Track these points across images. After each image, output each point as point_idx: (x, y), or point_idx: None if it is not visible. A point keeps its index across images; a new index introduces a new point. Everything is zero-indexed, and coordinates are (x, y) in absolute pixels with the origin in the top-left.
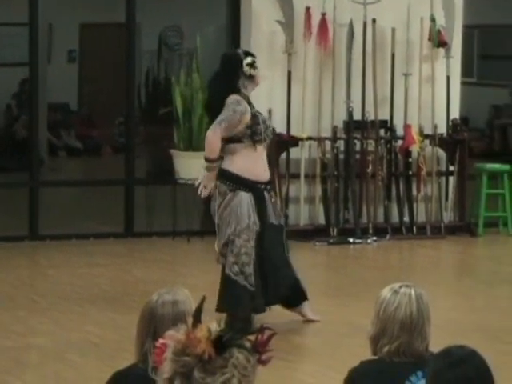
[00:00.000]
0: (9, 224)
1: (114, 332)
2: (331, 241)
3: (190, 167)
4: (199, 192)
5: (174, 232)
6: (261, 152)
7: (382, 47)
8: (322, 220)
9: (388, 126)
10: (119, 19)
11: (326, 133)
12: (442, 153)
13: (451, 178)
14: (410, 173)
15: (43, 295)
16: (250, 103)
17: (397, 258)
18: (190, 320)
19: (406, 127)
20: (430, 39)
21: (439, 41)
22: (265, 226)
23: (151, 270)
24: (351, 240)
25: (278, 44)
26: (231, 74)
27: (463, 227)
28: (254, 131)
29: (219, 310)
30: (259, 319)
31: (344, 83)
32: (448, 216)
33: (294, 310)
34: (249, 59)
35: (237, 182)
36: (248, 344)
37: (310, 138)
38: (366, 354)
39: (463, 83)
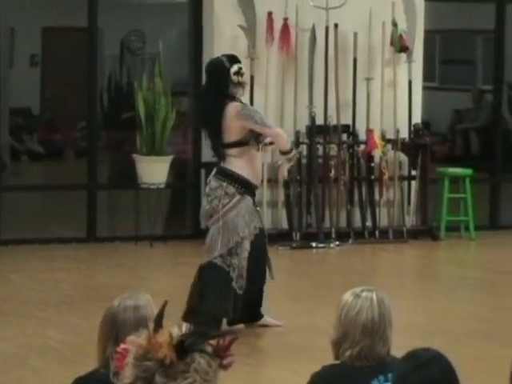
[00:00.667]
0: None
1: (77, 337)
2: (294, 245)
3: (153, 172)
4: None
5: (137, 237)
6: (261, 153)
7: (344, 52)
8: (284, 224)
9: (350, 130)
10: (81, 23)
11: (289, 137)
12: (404, 157)
13: (413, 183)
14: (373, 177)
15: (5, 300)
16: None
17: (359, 262)
18: (151, 325)
19: (369, 132)
20: (391, 44)
21: (401, 45)
22: (261, 234)
23: (114, 275)
24: (314, 244)
25: (241, 49)
26: (221, 83)
27: (425, 231)
28: (258, 133)
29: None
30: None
31: (306, 88)
32: (410, 220)
33: (257, 324)
34: (235, 67)
35: (245, 186)
36: (210, 349)
37: (272, 143)
38: (329, 359)
39: (425, 88)
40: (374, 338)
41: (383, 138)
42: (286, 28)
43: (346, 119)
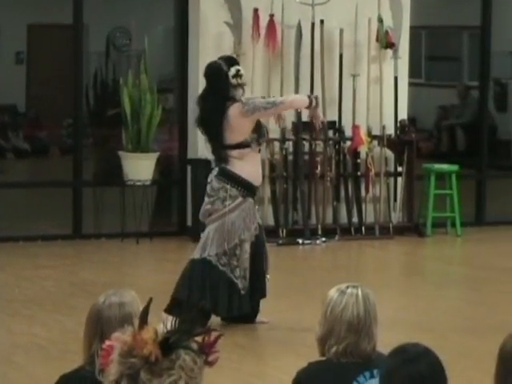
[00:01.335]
0: None
1: (62, 334)
2: (280, 242)
3: (139, 169)
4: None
5: (123, 234)
6: (260, 155)
7: (330, 48)
8: (271, 221)
9: (336, 127)
10: (67, 20)
11: (275, 134)
12: (390, 153)
13: (399, 179)
14: (359, 173)
15: None
16: None
17: (345, 258)
18: (136, 322)
19: (355, 128)
20: (377, 40)
21: (387, 42)
22: (260, 230)
23: (99, 272)
24: (300, 241)
25: (226, 45)
26: (220, 87)
27: (411, 228)
28: (259, 134)
29: (215, 312)
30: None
31: (292, 84)
32: (396, 216)
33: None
34: (233, 70)
35: (247, 188)
36: (195, 345)
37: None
38: (314, 355)
39: (411, 84)
40: (360, 334)
41: (369, 134)
42: (271, 24)
43: (332, 115)
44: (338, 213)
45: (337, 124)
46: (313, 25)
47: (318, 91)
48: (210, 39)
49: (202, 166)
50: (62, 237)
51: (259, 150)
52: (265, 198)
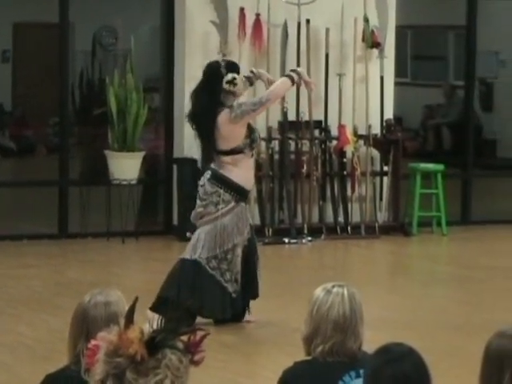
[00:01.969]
0: None
1: (47, 333)
2: (266, 241)
3: (125, 168)
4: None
5: (109, 233)
6: (253, 159)
7: (316, 48)
8: (257, 220)
9: (322, 126)
10: (53, 19)
11: (261, 133)
12: (376, 153)
13: (385, 178)
14: (345, 173)
15: None
16: None
17: (331, 257)
18: (122, 321)
19: (341, 127)
20: (363, 40)
21: (373, 41)
22: (251, 231)
23: (85, 271)
24: (286, 240)
25: (213, 45)
26: (213, 88)
27: (397, 227)
28: (252, 139)
29: (201, 314)
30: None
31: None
32: (382, 216)
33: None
34: (229, 76)
35: (240, 193)
36: (181, 345)
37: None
38: (300, 354)
39: (397, 83)
40: (346, 333)
41: (355, 133)
42: (258, 24)
43: (318, 115)
44: (324, 212)
45: (323, 123)
46: (299, 24)
47: (303, 90)
48: (196, 38)
49: (188, 165)
50: (48, 236)
51: (252, 155)
52: (251, 198)
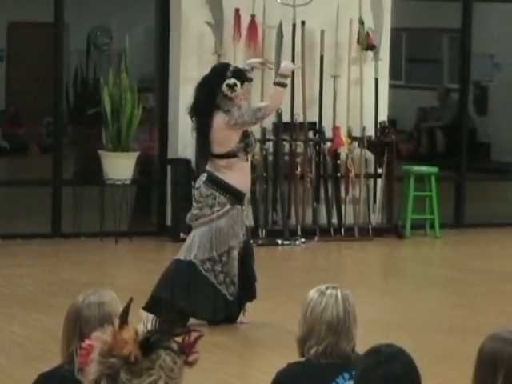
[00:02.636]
0: None
1: (40, 333)
2: (260, 242)
3: (119, 168)
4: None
5: (102, 233)
6: (249, 163)
7: (311, 49)
8: (250, 221)
9: (317, 128)
10: (48, 18)
11: (255, 134)
12: (370, 155)
13: (379, 180)
14: (339, 175)
15: None
16: None
17: (325, 259)
18: (116, 321)
19: (335, 129)
20: (358, 42)
21: (368, 43)
22: (247, 233)
23: (78, 271)
24: (279, 241)
25: (208, 45)
26: (213, 86)
27: (390, 229)
28: (246, 143)
29: (195, 315)
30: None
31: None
32: (376, 218)
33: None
34: (231, 81)
35: (236, 196)
36: (175, 346)
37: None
38: (294, 356)
39: (391, 86)
40: (339, 334)
41: (349, 135)
42: (253, 25)
43: (313, 117)
44: (318, 214)
45: (317, 125)
46: (294, 26)
47: (298, 92)
48: (191, 39)
49: (182, 165)
50: (41, 235)
51: (247, 159)
52: (245, 199)
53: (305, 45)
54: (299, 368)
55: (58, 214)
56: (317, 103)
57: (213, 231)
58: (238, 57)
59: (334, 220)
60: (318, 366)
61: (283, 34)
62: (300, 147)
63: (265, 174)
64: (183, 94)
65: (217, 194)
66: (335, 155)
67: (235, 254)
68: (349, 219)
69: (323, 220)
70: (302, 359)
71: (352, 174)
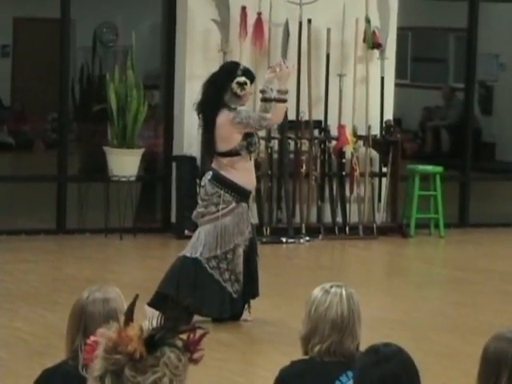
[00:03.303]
0: None
1: (44, 329)
2: (264, 240)
3: (124, 164)
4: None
5: (107, 229)
6: (252, 161)
7: (317, 47)
8: (255, 219)
9: (322, 126)
10: (54, 15)
11: (260, 132)
12: (375, 154)
13: (384, 179)
14: (344, 173)
15: None
16: None
17: (329, 258)
18: (121, 318)
19: (340, 128)
20: (364, 40)
21: (374, 42)
22: (253, 231)
23: (82, 267)
24: (284, 239)
25: (214, 43)
26: (222, 83)
27: (395, 228)
28: (249, 142)
29: (200, 313)
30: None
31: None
32: (380, 217)
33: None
34: (242, 79)
35: (241, 194)
36: (179, 343)
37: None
38: (298, 354)
39: (396, 85)
40: (344, 333)
41: (355, 134)
42: (259, 23)
43: (318, 115)
44: (323, 212)
45: (322, 123)
46: (300, 24)
47: (304, 90)
48: (197, 36)
49: (187, 163)
50: (45, 231)
51: (250, 158)
52: (250, 196)
53: (311, 43)
54: (303, 366)
55: (62, 210)
56: (322, 101)
57: (218, 229)
58: (243, 54)
59: (339, 218)
60: (322, 364)
61: (289, 32)
62: (305, 145)
63: (270, 172)
64: (189, 92)
65: (222, 192)
66: (340, 154)
67: (240, 251)
68: (353, 218)
69: (328, 218)
70: (306, 357)
71: (357, 173)
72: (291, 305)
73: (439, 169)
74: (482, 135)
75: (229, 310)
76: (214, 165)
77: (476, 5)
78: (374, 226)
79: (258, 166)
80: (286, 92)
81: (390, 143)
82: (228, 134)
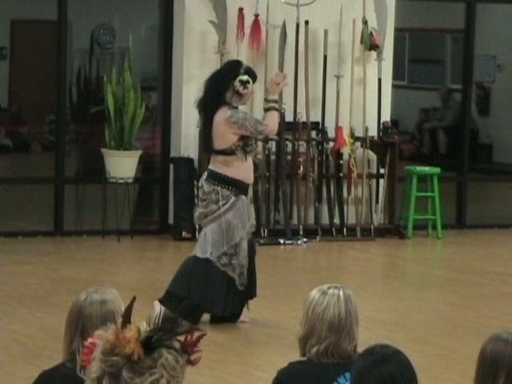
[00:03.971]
0: None
1: (41, 331)
2: (261, 241)
3: (121, 166)
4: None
5: (104, 231)
6: (250, 161)
7: (315, 49)
8: (252, 220)
9: (319, 127)
10: (51, 17)
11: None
12: (372, 155)
13: (381, 181)
14: (341, 175)
15: None
16: None
17: (326, 259)
18: (119, 320)
19: (338, 129)
20: (362, 42)
21: (371, 43)
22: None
23: (80, 269)
24: (281, 241)
25: (211, 44)
26: (224, 81)
27: (392, 229)
28: (245, 142)
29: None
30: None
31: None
32: (378, 218)
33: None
34: (244, 77)
35: (238, 187)
36: (177, 344)
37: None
38: (295, 355)
39: (394, 86)
40: (341, 334)
41: (352, 135)
42: (256, 24)
43: (316, 116)
44: (320, 213)
45: (320, 125)
46: (297, 25)
47: (301, 91)
48: (195, 38)
49: (185, 164)
50: (42, 233)
51: (246, 159)
52: (249, 189)
53: (308, 44)
54: (300, 367)
55: (60, 212)
56: (320, 103)
57: (223, 226)
58: (241, 56)
59: (336, 220)
60: (319, 366)
61: (287, 34)
62: (302, 147)
63: (267, 174)
64: (186, 93)
65: (218, 188)
66: (338, 155)
67: (244, 244)
68: (351, 219)
69: (325, 220)
70: (303, 358)
71: (354, 174)
72: (289, 306)
73: (436, 170)
74: (479, 136)
75: (230, 309)
76: (210, 165)
77: (473, 6)
78: (372, 227)
79: (255, 167)
80: (275, 101)
81: (388, 144)
82: (223, 132)
